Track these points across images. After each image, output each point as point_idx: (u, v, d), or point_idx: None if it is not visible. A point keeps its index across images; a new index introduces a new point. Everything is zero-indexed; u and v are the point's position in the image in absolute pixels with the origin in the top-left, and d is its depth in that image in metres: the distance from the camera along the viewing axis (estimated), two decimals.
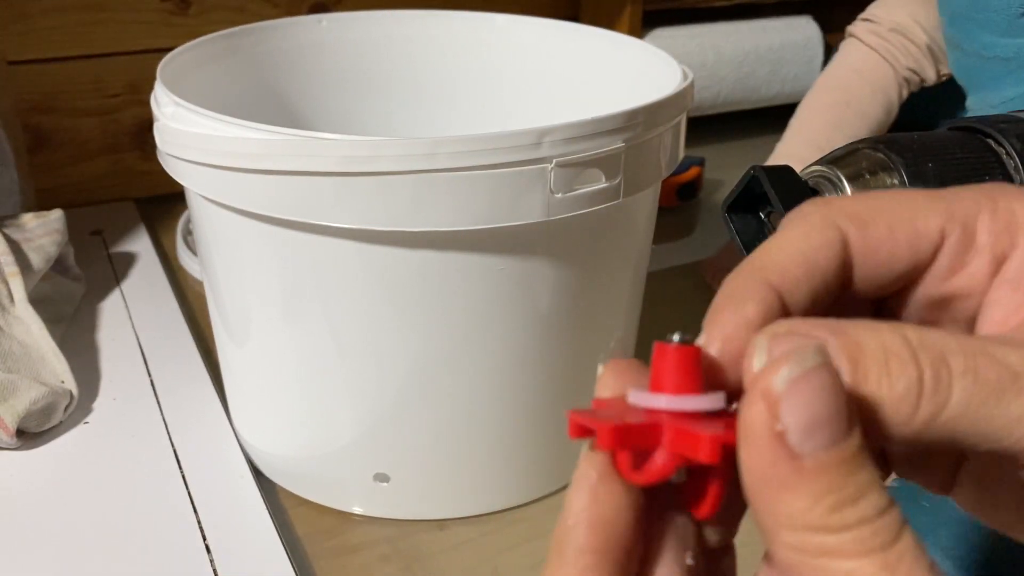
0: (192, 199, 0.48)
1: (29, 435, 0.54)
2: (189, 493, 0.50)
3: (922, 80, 0.83)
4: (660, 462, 0.19)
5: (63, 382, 0.56)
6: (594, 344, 0.50)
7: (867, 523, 0.17)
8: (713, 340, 0.20)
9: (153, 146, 0.47)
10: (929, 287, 0.22)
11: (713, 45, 1.02)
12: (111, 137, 0.85)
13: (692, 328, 0.20)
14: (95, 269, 0.72)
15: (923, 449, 0.24)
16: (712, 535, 0.22)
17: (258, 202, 0.42)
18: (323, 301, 0.45)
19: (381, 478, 0.50)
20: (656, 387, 0.20)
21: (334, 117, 0.65)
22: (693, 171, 0.89)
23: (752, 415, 0.18)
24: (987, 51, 0.66)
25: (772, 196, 0.39)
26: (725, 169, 0.98)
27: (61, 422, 0.55)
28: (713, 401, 0.19)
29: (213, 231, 0.47)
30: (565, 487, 0.33)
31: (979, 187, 0.22)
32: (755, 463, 0.18)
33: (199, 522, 0.48)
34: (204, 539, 0.47)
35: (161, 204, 0.86)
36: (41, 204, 0.79)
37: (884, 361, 0.18)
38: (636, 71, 0.57)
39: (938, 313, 0.23)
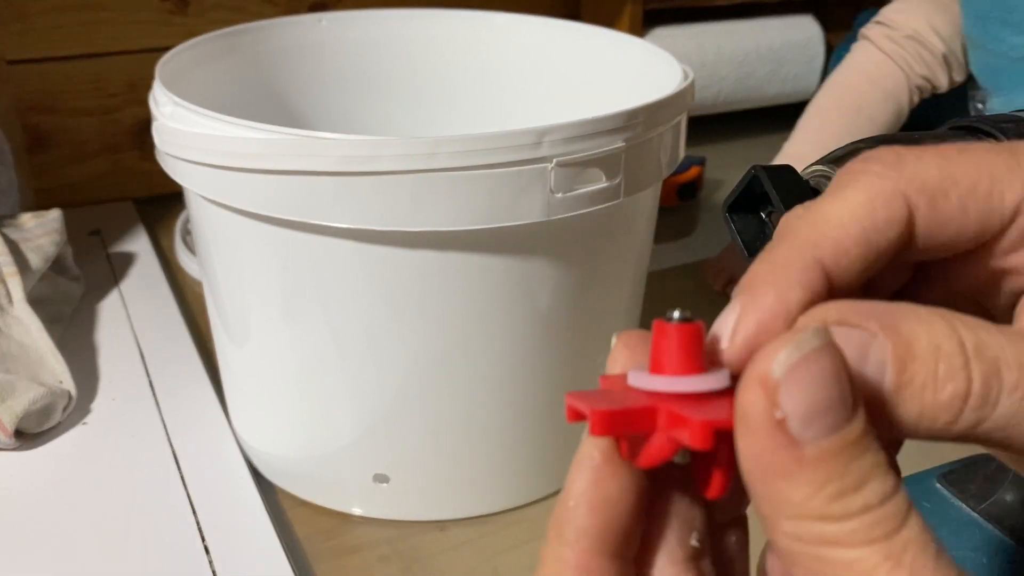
0: (191, 199, 0.48)
1: (28, 435, 0.54)
2: (188, 494, 0.50)
3: (934, 88, 0.82)
4: (657, 446, 0.19)
5: (61, 382, 0.56)
6: (594, 344, 0.50)
7: (870, 511, 0.17)
8: (747, 322, 0.19)
9: (152, 146, 0.47)
10: (983, 259, 0.21)
11: (714, 44, 1.02)
12: (110, 137, 0.85)
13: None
14: (94, 269, 0.72)
15: None
16: (719, 511, 0.21)
17: (257, 202, 0.42)
18: (322, 301, 0.45)
19: (380, 479, 0.50)
20: (656, 368, 0.19)
21: (334, 116, 0.65)
22: (693, 171, 0.89)
23: (749, 401, 0.17)
24: (1014, 52, 0.65)
25: (773, 196, 0.39)
26: (725, 169, 0.98)
27: (60, 423, 0.55)
28: (715, 380, 0.18)
29: (212, 231, 0.47)
30: None
31: None
32: (753, 451, 0.17)
33: (198, 523, 0.48)
34: (203, 540, 0.47)
35: (160, 204, 0.85)
36: (40, 204, 0.79)
37: (933, 367, 0.17)
38: (636, 70, 0.57)
39: (983, 282, 0.21)
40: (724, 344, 0.19)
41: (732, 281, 0.73)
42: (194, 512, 0.49)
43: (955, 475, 0.45)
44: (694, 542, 0.20)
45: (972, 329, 0.18)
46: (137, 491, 0.50)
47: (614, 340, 0.21)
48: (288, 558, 0.46)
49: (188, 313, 0.69)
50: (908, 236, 0.20)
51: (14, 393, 0.52)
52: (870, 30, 0.84)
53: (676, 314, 0.19)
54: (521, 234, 0.43)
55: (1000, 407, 0.17)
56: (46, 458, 0.53)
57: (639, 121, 0.43)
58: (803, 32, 1.07)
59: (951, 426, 0.18)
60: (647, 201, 0.50)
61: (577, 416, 0.19)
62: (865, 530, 0.16)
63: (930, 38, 0.80)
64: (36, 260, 0.63)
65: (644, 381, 0.19)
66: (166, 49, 0.53)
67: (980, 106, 0.82)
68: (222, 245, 0.47)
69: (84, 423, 0.56)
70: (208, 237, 0.48)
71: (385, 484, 0.50)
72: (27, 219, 0.66)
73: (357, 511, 0.51)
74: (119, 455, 0.53)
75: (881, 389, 0.18)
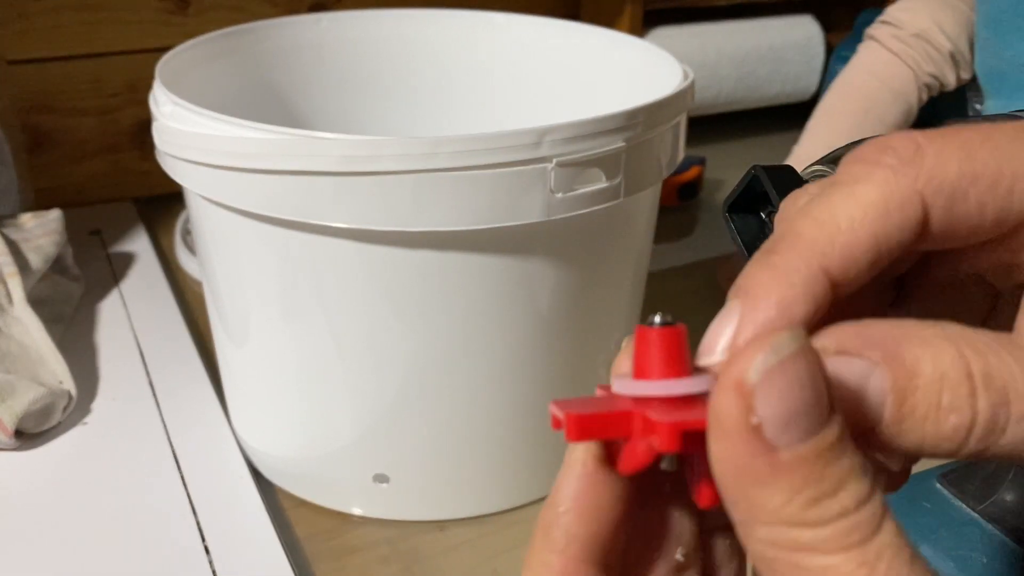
0: (191, 199, 0.48)
1: (28, 435, 0.54)
2: (188, 494, 0.50)
3: (942, 86, 0.82)
4: (634, 451, 0.19)
5: (61, 382, 0.56)
6: (594, 344, 0.50)
7: (846, 516, 0.16)
8: (746, 335, 0.19)
9: (152, 146, 0.47)
10: (991, 253, 0.20)
11: (714, 44, 1.02)
12: (110, 137, 0.85)
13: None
14: (94, 269, 0.72)
15: None
16: (712, 517, 0.21)
17: (257, 202, 0.42)
18: (322, 301, 0.45)
19: (380, 479, 0.50)
20: (639, 372, 0.19)
21: (333, 116, 0.65)
22: (694, 171, 0.89)
23: (723, 406, 0.17)
24: (1021, 59, 0.64)
25: (773, 196, 0.39)
26: (726, 169, 0.98)
27: (60, 423, 0.55)
28: (695, 384, 0.18)
29: (212, 231, 0.47)
30: None
31: None
32: (727, 455, 0.17)
33: (198, 523, 0.48)
34: (203, 540, 0.47)
35: (160, 204, 0.85)
36: (40, 204, 0.79)
37: (936, 397, 0.17)
38: (636, 70, 0.57)
39: (990, 269, 0.21)
40: (717, 357, 0.19)
41: None
42: (194, 512, 0.49)
43: (955, 475, 0.45)
44: (679, 556, 0.20)
45: (981, 354, 0.17)
46: (137, 491, 0.50)
47: (624, 343, 0.20)
48: (288, 558, 0.46)
49: (188, 313, 0.69)
50: (920, 236, 0.19)
51: (14, 393, 0.52)
52: (876, 30, 0.83)
53: (657, 319, 0.19)
54: (521, 234, 0.43)
55: (1007, 435, 0.17)
56: (46, 458, 0.53)
57: (639, 121, 0.43)
58: (803, 32, 1.07)
59: (954, 454, 0.17)
60: (647, 201, 0.50)
61: (560, 424, 0.19)
62: (840, 537, 0.16)
63: (937, 36, 0.80)
64: (36, 260, 0.63)
65: (626, 386, 0.19)
66: (166, 49, 0.53)
67: (978, 106, 0.81)
68: (222, 245, 0.47)
69: (84, 423, 0.56)
70: (208, 237, 0.48)
71: (385, 484, 0.50)
72: (27, 219, 0.66)
73: (357, 511, 0.51)
74: (119, 455, 0.53)
75: (882, 419, 0.18)
